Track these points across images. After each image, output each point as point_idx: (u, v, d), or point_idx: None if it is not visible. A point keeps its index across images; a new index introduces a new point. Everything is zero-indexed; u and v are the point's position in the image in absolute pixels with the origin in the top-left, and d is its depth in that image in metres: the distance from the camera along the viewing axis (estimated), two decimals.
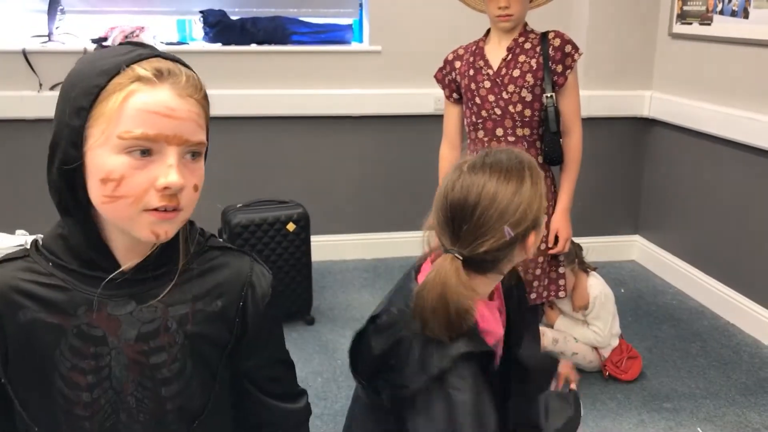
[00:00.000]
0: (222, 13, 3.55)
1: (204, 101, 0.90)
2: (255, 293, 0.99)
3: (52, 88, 3.41)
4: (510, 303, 1.32)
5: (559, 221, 2.06)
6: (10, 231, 3.54)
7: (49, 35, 3.47)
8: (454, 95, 2.13)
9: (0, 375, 0.91)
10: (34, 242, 0.94)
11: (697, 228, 3.44)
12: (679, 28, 3.46)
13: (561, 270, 2.14)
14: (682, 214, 3.56)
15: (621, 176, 3.84)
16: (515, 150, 1.24)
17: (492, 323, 1.21)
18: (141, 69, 0.84)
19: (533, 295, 2.09)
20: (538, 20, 2.27)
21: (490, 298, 1.25)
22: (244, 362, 1.01)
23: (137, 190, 0.84)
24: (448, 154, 2.18)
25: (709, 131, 3.25)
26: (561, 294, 2.15)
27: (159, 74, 0.85)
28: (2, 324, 0.89)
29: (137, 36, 3.43)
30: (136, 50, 0.87)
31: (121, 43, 0.90)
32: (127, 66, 0.84)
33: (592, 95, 3.61)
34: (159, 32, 3.65)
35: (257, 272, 1.01)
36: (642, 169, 3.84)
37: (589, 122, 3.65)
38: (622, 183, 3.86)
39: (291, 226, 2.98)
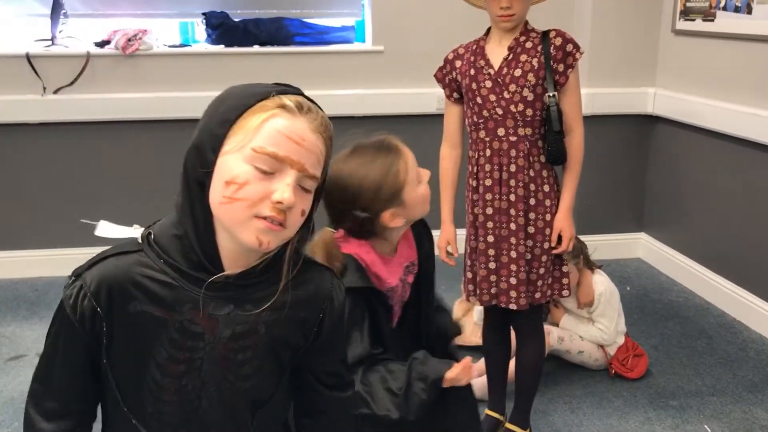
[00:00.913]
0: (224, 15, 3.56)
1: (329, 143, 1.03)
2: (333, 306, 1.13)
3: (55, 91, 3.42)
4: (420, 252, 1.66)
5: (562, 220, 2.05)
6: (14, 235, 3.55)
7: (53, 39, 3.48)
8: (455, 95, 2.12)
9: (103, 356, 1.01)
10: (147, 237, 1.02)
11: (703, 225, 3.43)
12: (683, 25, 3.45)
13: (565, 269, 2.13)
14: (687, 211, 3.55)
15: (625, 174, 3.83)
16: (382, 136, 1.53)
17: (383, 271, 1.52)
18: (286, 99, 0.98)
19: (537, 294, 2.08)
20: (541, 18, 2.27)
21: (393, 252, 1.59)
22: (314, 361, 1.15)
23: (254, 197, 0.94)
24: (449, 154, 2.17)
25: (714, 128, 3.24)
26: (565, 293, 2.14)
27: (300, 108, 0.98)
28: (114, 312, 0.98)
29: (140, 39, 3.44)
30: (284, 87, 1.01)
31: (275, 83, 1.02)
32: (276, 94, 0.98)
33: (596, 93, 3.61)
34: (161, 35, 3.66)
35: (336, 287, 1.14)
36: (646, 167, 3.83)
37: (593, 120, 3.65)
38: (626, 181, 3.85)
39: None
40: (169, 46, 3.59)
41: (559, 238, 2.06)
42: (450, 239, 2.16)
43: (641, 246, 3.93)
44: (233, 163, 0.95)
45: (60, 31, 3.49)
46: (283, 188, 0.95)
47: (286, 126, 0.96)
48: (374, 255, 1.53)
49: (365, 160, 1.50)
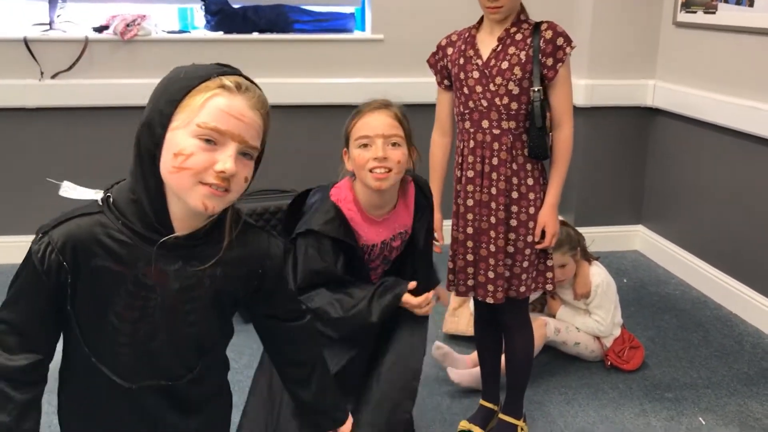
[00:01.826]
0: (224, 2, 3.53)
1: (266, 117, 1.15)
2: (272, 261, 1.28)
3: (53, 76, 3.40)
4: (415, 224, 1.86)
5: (547, 216, 2.03)
6: (11, 220, 3.55)
7: (51, 23, 3.46)
8: (446, 82, 2.10)
9: (67, 304, 1.14)
10: (106, 201, 1.15)
11: (700, 218, 3.43)
12: (684, 17, 3.44)
13: (549, 263, 2.11)
14: (685, 204, 3.55)
15: (624, 166, 3.83)
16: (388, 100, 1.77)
17: (362, 229, 1.75)
18: (227, 80, 1.10)
19: (522, 288, 2.07)
20: (541, 9, 2.25)
21: (383, 216, 1.80)
22: (267, 306, 1.32)
23: (199, 166, 1.08)
24: (440, 140, 2.17)
25: (713, 121, 3.23)
26: (548, 286, 2.13)
27: (239, 87, 1.10)
28: (78, 266, 1.12)
29: (138, 24, 3.42)
30: (224, 68, 1.13)
31: (217, 64, 1.14)
32: (217, 76, 1.10)
33: (596, 84, 3.60)
34: (160, 20, 3.64)
35: (273, 245, 1.28)
36: (645, 159, 3.82)
37: (592, 112, 3.64)
38: (625, 173, 3.84)
39: None
40: (168, 32, 3.57)
41: (543, 233, 2.04)
42: (436, 226, 2.15)
43: (639, 238, 3.93)
44: (180, 137, 1.08)
45: (58, 16, 3.48)
46: (225, 159, 1.08)
47: (226, 104, 1.09)
48: (356, 213, 1.74)
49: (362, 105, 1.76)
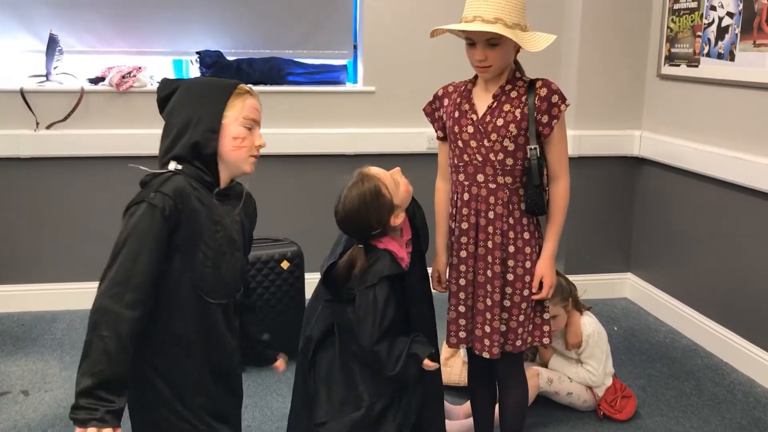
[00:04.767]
0: (218, 54, 3.60)
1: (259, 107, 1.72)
2: (256, 211, 1.83)
3: (48, 127, 3.44)
4: (413, 223, 2.01)
5: (544, 268, 2.03)
6: (4, 270, 3.53)
7: (47, 75, 3.51)
8: (439, 133, 2.13)
9: (178, 239, 1.55)
10: (180, 171, 1.60)
11: (688, 266, 3.46)
12: (668, 70, 3.53)
13: (546, 316, 2.10)
14: (673, 252, 3.58)
15: (612, 215, 3.87)
16: (356, 172, 1.91)
17: (402, 253, 1.93)
18: (245, 87, 1.68)
19: (518, 342, 2.06)
20: (529, 63, 2.31)
21: (401, 234, 1.97)
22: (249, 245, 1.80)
23: (249, 144, 1.66)
24: (443, 186, 2.18)
25: (698, 170, 3.29)
26: (545, 340, 2.11)
27: (251, 92, 1.69)
28: (185, 208, 1.55)
29: (134, 76, 3.47)
30: (235, 79, 1.69)
31: (220, 76, 1.76)
32: (236, 86, 1.66)
33: (583, 135, 3.66)
34: (155, 72, 3.70)
35: (251, 196, 1.81)
36: (633, 208, 3.87)
37: (580, 161, 3.70)
38: (613, 221, 3.89)
39: (285, 264, 2.98)
40: None
41: (540, 284, 2.05)
42: (441, 270, 2.16)
43: (628, 286, 3.95)
44: (235, 126, 1.63)
45: (55, 68, 3.52)
46: (259, 137, 1.68)
47: (253, 102, 1.67)
48: (396, 245, 1.93)
49: (358, 199, 1.87)
